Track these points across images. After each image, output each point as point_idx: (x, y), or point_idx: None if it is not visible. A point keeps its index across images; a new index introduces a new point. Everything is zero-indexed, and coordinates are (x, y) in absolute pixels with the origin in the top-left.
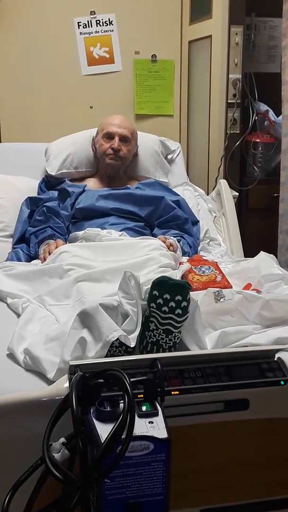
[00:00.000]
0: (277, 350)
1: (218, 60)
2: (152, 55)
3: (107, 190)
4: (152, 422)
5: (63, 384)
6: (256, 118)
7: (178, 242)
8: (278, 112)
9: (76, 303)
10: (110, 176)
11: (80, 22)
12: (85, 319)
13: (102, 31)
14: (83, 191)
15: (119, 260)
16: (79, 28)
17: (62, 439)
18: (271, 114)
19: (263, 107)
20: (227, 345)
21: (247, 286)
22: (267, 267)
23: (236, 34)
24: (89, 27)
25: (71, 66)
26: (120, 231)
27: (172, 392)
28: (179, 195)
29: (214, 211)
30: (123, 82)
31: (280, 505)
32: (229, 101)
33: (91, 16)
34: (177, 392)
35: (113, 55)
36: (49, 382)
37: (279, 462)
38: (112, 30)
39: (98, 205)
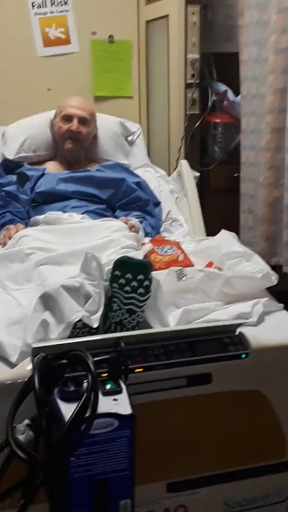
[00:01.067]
0: (239, 325)
1: (176, 40)
2: (109, 36)
3: (67, 173)
4: (116, 400)
5: (26, 367)
6: (215, 98)
7: (140, 223)
8: (237, 92)
9: (38, 286)
10: (70, 160)
11: (34, 2)
12: (47, 301)
13: (57, 11)
14: (43, 174)
15: (80, 242)
16: (33, 8)
17: (27, 421)
18: (230, 94)
19: (222, 87)
20: (190, 322)
21: (209, 264)
22: (228, 245)
23: (193, 13)
24: (43, 7)
25: (26, 47)
26: (82, 214)
27: (136, 370)
28: (140, 176)
29: (176, 192)
30: (81, 63)
31: (245, 475)
32: (188, 82)
33: None
34: (141, 370)
35: (69, 36)
36: (13, 366)
37: (240, 433)
38: (68, 10)
39: (59, 189)
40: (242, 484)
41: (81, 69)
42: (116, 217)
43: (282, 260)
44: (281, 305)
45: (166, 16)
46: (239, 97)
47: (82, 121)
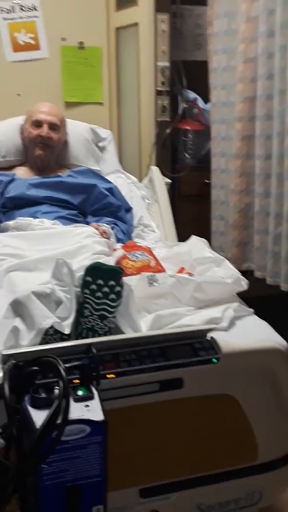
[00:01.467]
0: (209, 330)
1: (146, 48)
2: (79, 42)
3: (38, 178)
4: (88, 406)
5: None
6: (185, 105)
7: (112, 229)
8: (206, 100)
9: (8, 293)
10: (40, 166)
11: (3, 7)
12: (18, 308)
13: (26, 16)
14: (12, 179)
15: (52, 248)
16: (2, 13)
17: None
18: (200, 102)
19: (192, 94)
20: (161, 327)
21: (181, 270)
22: (198, 251)
23: (163, 21)
24: (12, 12)
25: None
26: (53, 219)
27: (108, 376)
28: (111, 182)
29: (147, 198)
30: (51, 69)
31: (217, 479)
32: (158, 89)
33: (14, 1)
34: (113, 375)
35: (39, 42)
36: None
37: (212, 437)
38: (37, 16)
39: (29, 194)
40: (214, 488)
41: (52, 75)
42: (88, 223)
43: (253, 265)
44: (251, 310)
45: (136, 24)
46: (209, 104)
47: (52, 126)
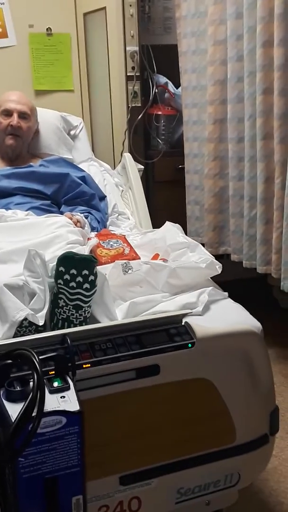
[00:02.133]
0: (184, 315)
1: (114, 33)
2: (47, 28)
3: (9, 169)
4: (64, 397)
5: None
6: (156, 90)
7: (86, 218)
8: (177, 84)
9: None
10: (11, 156)
11: None
12: None
13: None
14: None
15: (25, 240)
16: None
17: None
18: (171, 86)
19: (163, 79)
20: (137, 315)
21: (155, 256)
22: (173, 237)
23: (130, 5)
24: None
25: None
26: (26, 210)
27: (84, 366)
28: (84, 171)
29: (121, 185)
30: (19, 57)
31: (196, 462)
32: (128, 74)
33: None
34: (89, 365)
35: (6, 29)
36: None
37: (190, 421)
38: (3, 3)
39: (1, 185)
40: (193, 472)
41: (20, 63)
42: (62, 213)
43: (230, 249)
44: (226, 293)
45: (103, 8)
46: (179, 89)
47: (22, 115)
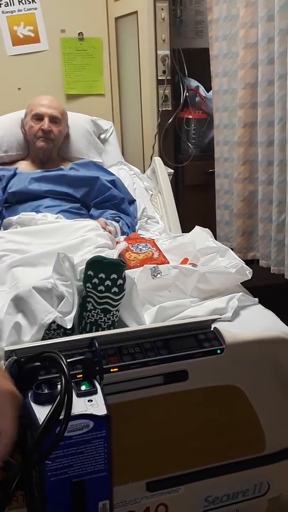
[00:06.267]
0: (213, 320)
1: (146, 37)
2: (79, 33)
3: (39, 172)
4: (92, 401)
5: None
6: (187, 94)
7: (117, 222)
8: (208, 88)
9: (11, 289)
10: (42, 159)
11: (1, 0)
12: (19, 303)
13: (25, 9)
14: (15, 174)
15: (54, 243)
16: (0, 6)
17: None
18: (202, 90)
19: (194, 83)
20: (165, 319)
21: (184, 261)
22: (202, 241)
23: (162, 9)
24: (11, 5)
25: None
26: (56, 213)
27: (111, 370)
28: (114, 174)
29: (151, 189)
30: (51, 61)
31: (224, 471)
32: (159, 78)
33: None
34: (116, 369)
35: (38, 34)
36: None
37: (218, 429)
38: (36, 8)
39: (31, 188)
40: (222, 480)
41: (52, 67)
42: (91, 216)
43: (258, 254)
44: (256, 299)
45: (135, 13)
46: (210, 92)
47: (53, 120)
